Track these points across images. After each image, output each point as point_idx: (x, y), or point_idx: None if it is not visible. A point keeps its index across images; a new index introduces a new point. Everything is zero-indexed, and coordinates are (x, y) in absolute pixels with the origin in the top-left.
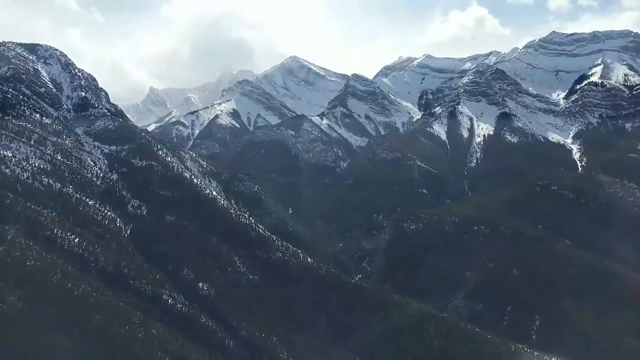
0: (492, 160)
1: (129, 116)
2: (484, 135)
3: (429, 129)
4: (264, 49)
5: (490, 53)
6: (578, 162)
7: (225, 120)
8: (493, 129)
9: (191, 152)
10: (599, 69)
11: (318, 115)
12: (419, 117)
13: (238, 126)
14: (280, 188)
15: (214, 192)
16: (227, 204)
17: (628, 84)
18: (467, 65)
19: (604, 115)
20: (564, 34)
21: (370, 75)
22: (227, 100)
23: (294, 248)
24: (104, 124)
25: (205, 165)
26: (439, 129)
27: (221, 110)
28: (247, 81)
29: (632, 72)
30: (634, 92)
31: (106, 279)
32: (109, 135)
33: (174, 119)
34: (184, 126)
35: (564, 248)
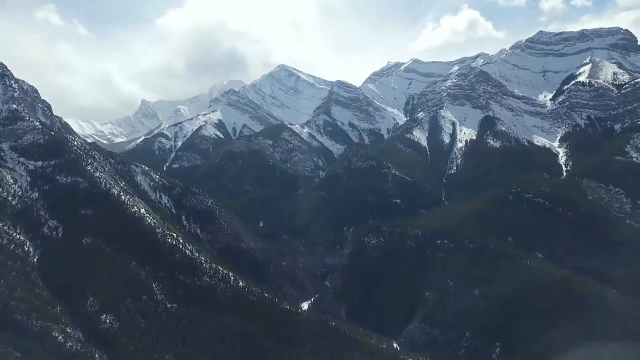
0: (473, 166)
1: (120, 129)
2: (466, 141)
3: (408, 135)
4: (257, 59)
5: (478, 55)
6: (563, 166)
7: (209, 131)
8: (476, 133)
9: (143, 166)
10: (587, 68)
11: (300, 124)
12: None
13: (222, 137)
14: (253, 200)
15: (142, 210)
16: (155, 222)
17: (617, 82)
18: (455, 68)
19: (592, 117)
20: (551, 33)
21: (359, 82)
22: (212, 111)
23: (224, 271)
24: (33, 138)
25: (157, 179)
26: (420, 135)
27: (205, 122)
28: (233, 91)
29: (621, 71)
30: (622, 91)
31: None
32: (36, 150)
33: (162, 131)
34: (167, 138)
35: (535, 263)
